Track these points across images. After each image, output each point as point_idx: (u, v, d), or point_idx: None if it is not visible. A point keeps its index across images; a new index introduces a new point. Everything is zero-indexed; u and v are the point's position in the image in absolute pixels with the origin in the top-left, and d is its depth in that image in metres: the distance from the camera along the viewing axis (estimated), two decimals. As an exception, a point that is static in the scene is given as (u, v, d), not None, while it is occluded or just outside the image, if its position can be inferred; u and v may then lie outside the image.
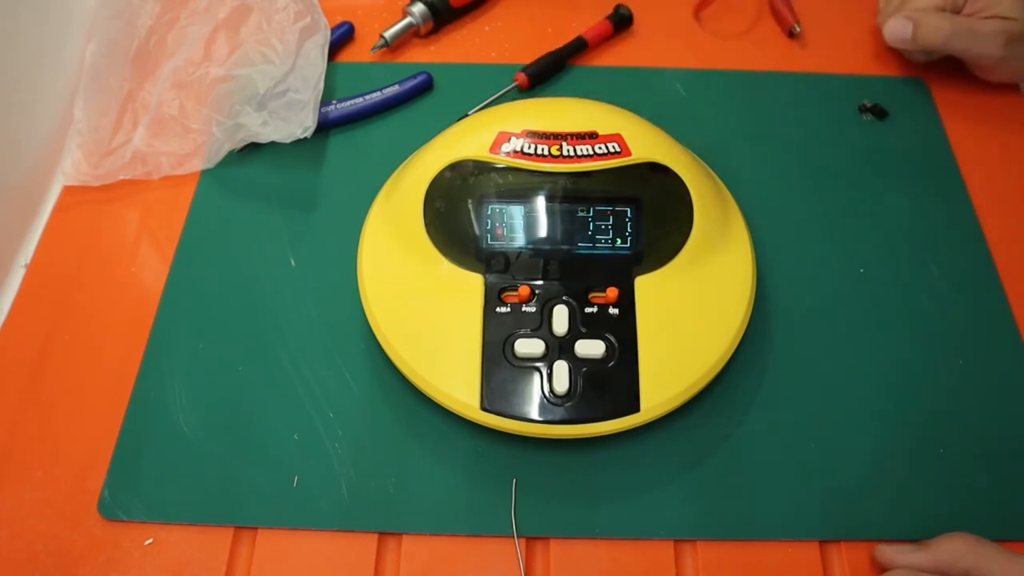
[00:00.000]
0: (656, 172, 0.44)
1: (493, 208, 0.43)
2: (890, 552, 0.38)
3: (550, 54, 0.57)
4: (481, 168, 0.44)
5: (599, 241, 0.43)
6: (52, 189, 0.51)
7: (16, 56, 0.49)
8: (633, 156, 0.43)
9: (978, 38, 0.52)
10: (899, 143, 0.54)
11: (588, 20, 0.59)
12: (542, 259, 0.43)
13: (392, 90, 0.55)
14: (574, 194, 0.43)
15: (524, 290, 0.42)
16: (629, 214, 0.43)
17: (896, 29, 0.54)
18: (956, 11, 0.54)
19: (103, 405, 0.43)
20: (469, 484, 0.40)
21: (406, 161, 0.49)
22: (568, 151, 0.43)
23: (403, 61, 0.58)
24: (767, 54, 0.59)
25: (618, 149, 0.43)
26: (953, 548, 0.37)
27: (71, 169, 0.50)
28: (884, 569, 0.38)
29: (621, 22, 0.59)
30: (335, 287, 0.46)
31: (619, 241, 0.43)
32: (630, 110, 0.47)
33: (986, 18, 0.52)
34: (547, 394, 0.40)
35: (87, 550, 0.39)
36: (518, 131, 0.44)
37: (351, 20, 0.59)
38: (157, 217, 0.50)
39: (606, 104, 0.47)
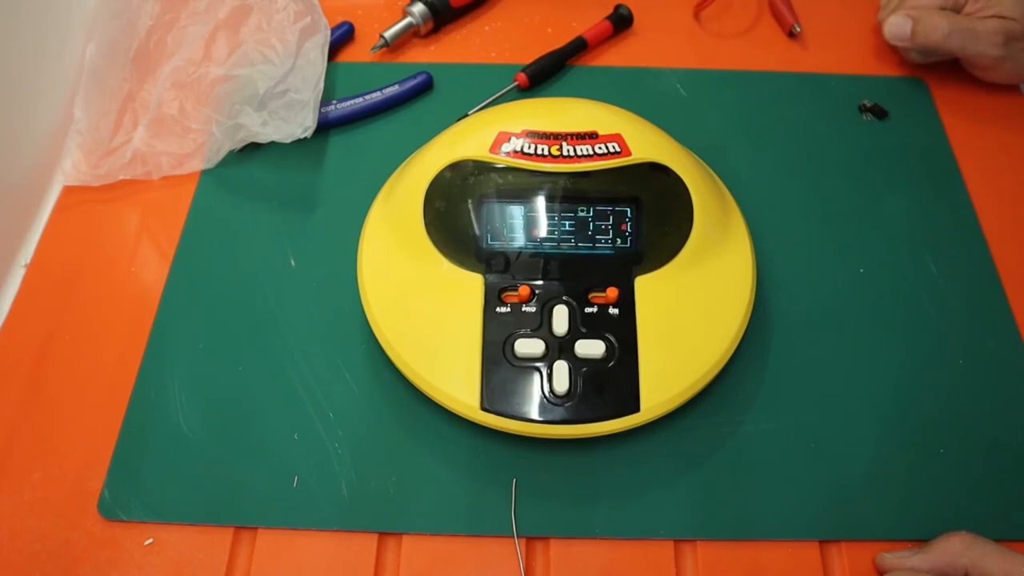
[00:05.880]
0: (656, 172, 0.44)
1: (493, 208, 0.43)
2: (890, 558, 0.38)
3: (550, 54, 0.57)
4: (481, 168, 0.44)
5: (599, 241, 0.43)
6: (52, 189, 0.51)
7: (16, 56, 0.48)
8: (633, 156, 0.43)
9: (976, 37, 0.52)
10: (899, 143, 0.54)
11: (588, 20, 0.59)
12: (542, 259, 0.43)
13: (392, 90, 0.55)
14: (574, 194, 0.43)
15: (524, 290, 0.42)
16: (629, 214, 0.43)
17: (896, 26, 0.54)
18: (957, 10, 0.54)
19: (103, 405, 0.43)
20: (469, 484, 0.40)
21: (406, 161, 0.49)
22: (568, 151, 0.43)
23: (403, 61, 0.58)
24: (767, 54, 0.59)
25: (618, 149, 0.43)
26: (951, 547, 0.37)
27: (71, 169, 0.50)
28: (882, 571, 0.38)
29: (621, 22, 0.59)
30: (335, 287, 0.46)
31: (619, 241, 0.43)
32: (630, 110, 0.47)
33: (985, 17, 0.52)
34: (547, 394, 0.40)
35: (87, 550, 0.39)
36: (518, 131, 0.44)
37: (351, 20, 0.59)
38: (157, 217, 0.50)
39: (606, 104, 0.47)
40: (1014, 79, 0.55)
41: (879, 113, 0.55)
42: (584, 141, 0.44)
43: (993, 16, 0.52)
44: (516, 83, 0.56)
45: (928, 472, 0.41)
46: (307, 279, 0.47)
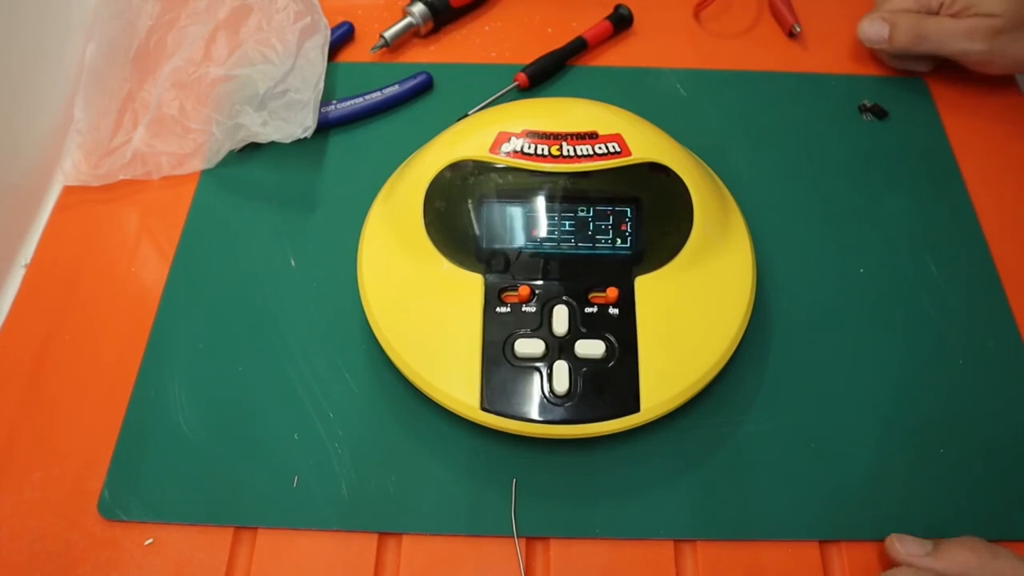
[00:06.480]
0: (656, 172, 0.44)
1: (493, 208, 0.43)
2: (899, 547, 0.37)
3: (550, 54, 0.57)
4: (481, 168, 0.44)
5: (599, 241, 0.43)
6: (52, 189, 0.51)
7: (16, 56, 0.48)
8: (633, 156, 0.43)
9: (954, 36, 0.52)
10: (899, 143, 0.54)
11: (588, 20, 0.59)
12: (542, 259, 0.43)
13: (392, 90, 0.55)
14: (574, 194, 0.43)
15: (524, 290, 0.42)
16: (629, 214, 0.43)
17: (872, 30, 0.54)
18: (933, 13, 0.54)
19: (103, 405, 0.43)
20: (469, 484, 0.40)
21: (406, 161, 0.49)
22: (568, 151, 0.43)
23: (403, 61, 0.58)
24: (767, 54, 0.59)
25: (618, 149, 0.43)
26: (964, 559, 0.36)
27: (71, 169, 0.50)
28: (890, 559, 0.38)
29: (621, 22, 0.59)
30: (335, 287, 0.46)
31: (619, 241, 0.43)
32: (630, 110, 0.47)
33: (964, 18, 0.52)
34: (547, 394, 0.40)
35: (87, 550, 0.39)
36: (518, 131, 0.44)
37: (351, 20, 0.59)
38: (157, 217, 0.50)
39: (606, 104, 0.47)
40: (1009, 69, 0.55)
41: (879, 113, 0.55)
42: (584, 141, 0.44)
43: (975, 16, 0.52)
44: (516, 83, 0.56)
45: (928, 472, 0.41)
46: (307, 279, 0.47)
